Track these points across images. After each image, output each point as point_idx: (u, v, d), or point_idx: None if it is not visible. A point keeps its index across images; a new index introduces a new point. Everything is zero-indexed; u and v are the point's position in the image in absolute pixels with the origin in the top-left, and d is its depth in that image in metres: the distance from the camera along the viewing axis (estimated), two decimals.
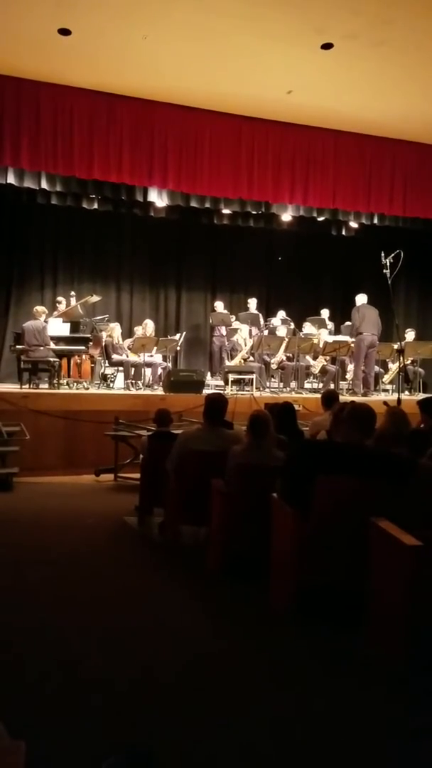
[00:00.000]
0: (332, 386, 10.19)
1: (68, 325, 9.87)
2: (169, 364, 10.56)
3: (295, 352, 10.35)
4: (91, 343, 9.83)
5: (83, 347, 9.73)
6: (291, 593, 3.34)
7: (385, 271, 7.13)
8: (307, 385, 10.78)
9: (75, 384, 9.54)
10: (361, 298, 10.33)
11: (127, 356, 9.92)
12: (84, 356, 10.08)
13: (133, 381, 9.65)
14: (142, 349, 9.76)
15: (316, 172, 9.96)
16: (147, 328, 10.44)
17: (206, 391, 8.80)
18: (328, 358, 10.81)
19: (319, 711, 2.52)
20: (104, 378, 10.12)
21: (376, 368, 10.95)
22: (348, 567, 3.22)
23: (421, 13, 6.68)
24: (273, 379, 10.86)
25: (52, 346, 9.16)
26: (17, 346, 9.28)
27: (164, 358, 10.56)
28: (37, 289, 11.97)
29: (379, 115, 9.34)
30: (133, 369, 9.71)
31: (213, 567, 4.11)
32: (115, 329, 10.19)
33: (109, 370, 10.19)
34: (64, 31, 7.26)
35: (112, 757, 1.38)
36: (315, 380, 11.02)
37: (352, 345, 10.30)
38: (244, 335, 10.91)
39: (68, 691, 2.64)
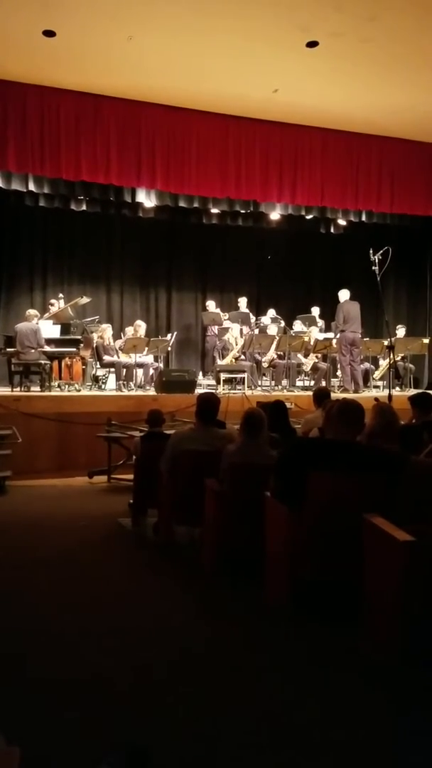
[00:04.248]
0: (324, 384, 10.22)
1: (59, 327, 9.86)
2: (161, 365, 10.56)
3: (286, 350, 10.36)
4: (81, 344, 9.82)
5: (74, 349, 9.71)
6: (286, 590, 3.35)
7: (373, 267, 7.15)
8: (298, 383, 10.81)
9: (66, 386, 9.52)
10: (344, 294, 10.37)
11: (119, 357, 9.91)
12: (75, 358, 10.06)
13: (125, 382, 9.64)
14: (133, 350, 9.75)
15: (304, 170, 9.97)
16: (140, 329, 10.44)
17: (198, 391, 8.80)
18: (319, 355, 10.85)
19: (315, 707, 2.53)
20: (96, 379, 10.11)
21: (367, 364, 10.99)
22: (342, 563, 3.23)
23: (405, 9, 6.70)
24: (264, 378, 10.88)
25: (46, 348, 9.14)
26: (8, 349, 9.25)
27: (156, 359, 10.56)
28: (27, 292, 11.94)
29: (365, 112, 9.36)
30: (124, 370, 9.70)
31: (208, 566, 4.12)
32: (106, 330, 10.18)
33: (100, 372, 10.17)
34: (49, 33, 7.23)
35: (111, 754, 1.39)
36: (306, 378, 11.04)
37: (335, 344, 10.36)
38: (235, 334, 10.93)
39: (66, 690, 2.65)
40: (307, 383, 10.86)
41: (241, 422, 4.23)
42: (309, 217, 11.19)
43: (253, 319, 11.72)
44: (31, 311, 9.48)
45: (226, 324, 11.24)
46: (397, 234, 11.08)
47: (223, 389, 9.64)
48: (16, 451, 7.36)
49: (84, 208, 10.70)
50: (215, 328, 11.39)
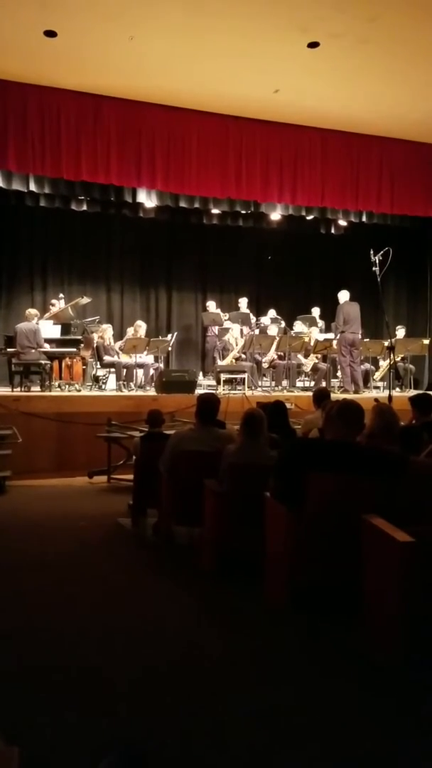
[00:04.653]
0: (324, 384, 10.23)
1: (59, 327, 9.86)
2: (161, 365, 10.56)
3: (286, 351, 10.37)
4: (82, 344, 9.82)
5: (74, 349, 9.71)
6: (285, 590, 3.35)
7: (374, 268, 7.16)
8: (298, 384, 10.80)
9: (66, 386, 9.52)
10: (344, 295, 10.38)
11: (119, 357, 9.91)
12: (75, 358, 10.06)
13: (125, 382, 9.64)
14: (133, 350, 9.75)
15: (304, 171, 9.98)
16: (140, 329, 10.44)
17: (198, 391, 8.81)
18: (319, 356, 10.85)
19: (315, 707, 2.53)
20: (96, 380, 10.11)
21: (367, 365, 10.99)
22: (341, 564, 3.23)
23: (405, 10, 6.70)
24: (265, 378, 10.88)
25: (47, 348, 9.15)
26: (8, 349, 9.25)
27: (156, 359, 10.56)
28: (27, 292, 11.95)
29: (365, 112, 9.36)
30: (124, 370, 9.70)
31: (207, 567, 4.12)
32: (107, 331, 10.19)
33: (100, 372, 10.18)
34: (50, 33, 7.24)
35: (109, 757, 1.39)
36: (306, 378, 11.05)
37: (335, 345, 10.38)
38: (235, 335, 10.93)
39: (67, 691, 2.65)
40: (307, 384, 10.86)
41: (240, 422, 4.23)
42: (309, 217, 11.20)
43: (253, 319, 11.73)
44: (31, 311, 9.48)
45: (227, 324, 11.24)
46: (397, 235, 11.07)
47: (223, 390, 9.64)
48: (16, 451, 7.37)
49: (84, 208, 10.71)
50: (215, 329, 11.40)
